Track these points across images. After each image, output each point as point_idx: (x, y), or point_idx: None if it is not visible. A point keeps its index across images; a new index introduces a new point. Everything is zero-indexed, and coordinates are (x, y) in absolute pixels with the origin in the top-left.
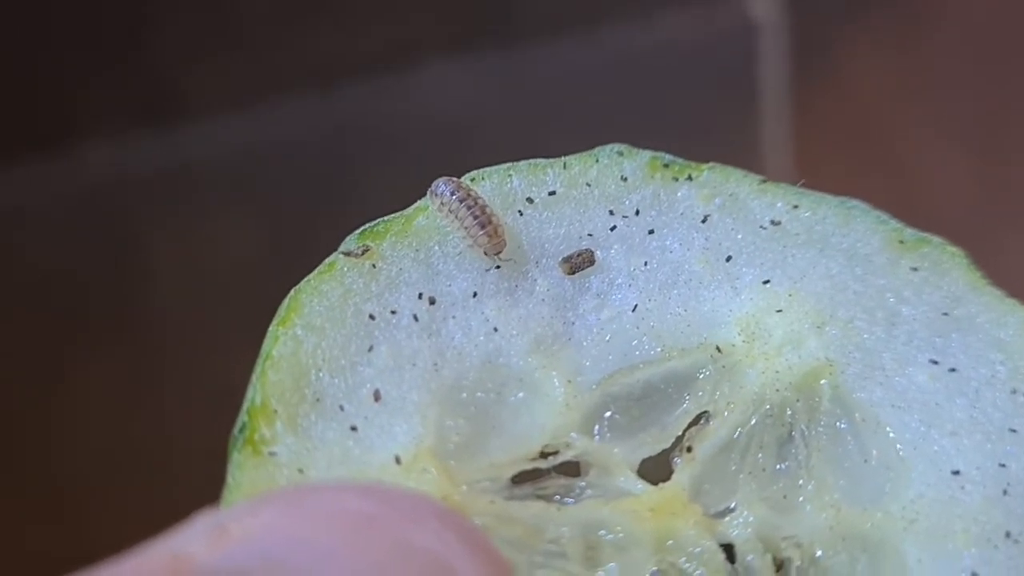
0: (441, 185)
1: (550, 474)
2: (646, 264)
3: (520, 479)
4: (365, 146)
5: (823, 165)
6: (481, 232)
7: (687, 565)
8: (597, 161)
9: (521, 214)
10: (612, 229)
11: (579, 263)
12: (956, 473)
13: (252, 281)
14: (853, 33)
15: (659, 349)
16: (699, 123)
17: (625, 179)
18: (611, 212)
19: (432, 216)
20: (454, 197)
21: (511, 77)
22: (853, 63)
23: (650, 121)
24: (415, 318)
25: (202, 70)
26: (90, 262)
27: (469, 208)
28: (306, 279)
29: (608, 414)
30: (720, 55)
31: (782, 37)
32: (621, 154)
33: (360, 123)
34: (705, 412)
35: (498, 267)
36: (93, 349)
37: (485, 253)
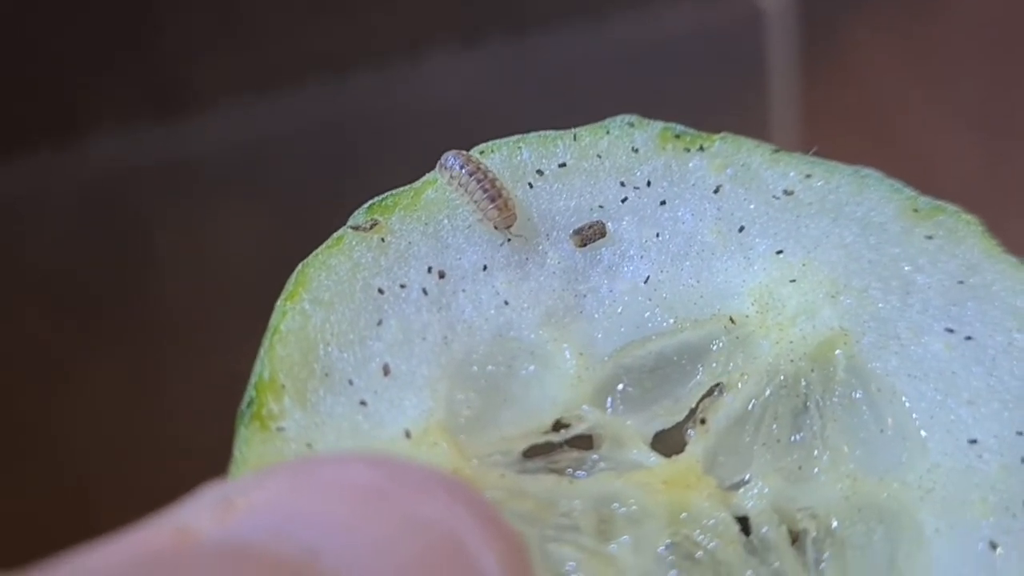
0: (451, 158)
1: (562, 447)
2: (658, 235)
3: (532, 453)
4: (371, 136)
5: (831, 150)
6: (491, 205)
7: (701, 537)
8: (608, 132)
9: (531, 186)
10: (623, 201)
11: (590, 235)
12: (973, 442)
13: (258, 273)
14: (859, 18)
15: (672, 321)
16: (707, 110)
17: (636, 150)
18: (622, 184)
19: (441, 189)
20: (464, 170)
21: (518, 67)
22: (860, 48)
23: (658, 108)
24: (424, 292)
25: (208, 62)
26: (95, 254)
27: (479, 181)
28: (314, 253)
29: (620, 386)
30: (728, 42)
31: (789, 23)
32: (632, 125)
33: (366, 114)
34: (719, 384)
35: (509, 240)
36: (98, 341)
37: (495, 227)
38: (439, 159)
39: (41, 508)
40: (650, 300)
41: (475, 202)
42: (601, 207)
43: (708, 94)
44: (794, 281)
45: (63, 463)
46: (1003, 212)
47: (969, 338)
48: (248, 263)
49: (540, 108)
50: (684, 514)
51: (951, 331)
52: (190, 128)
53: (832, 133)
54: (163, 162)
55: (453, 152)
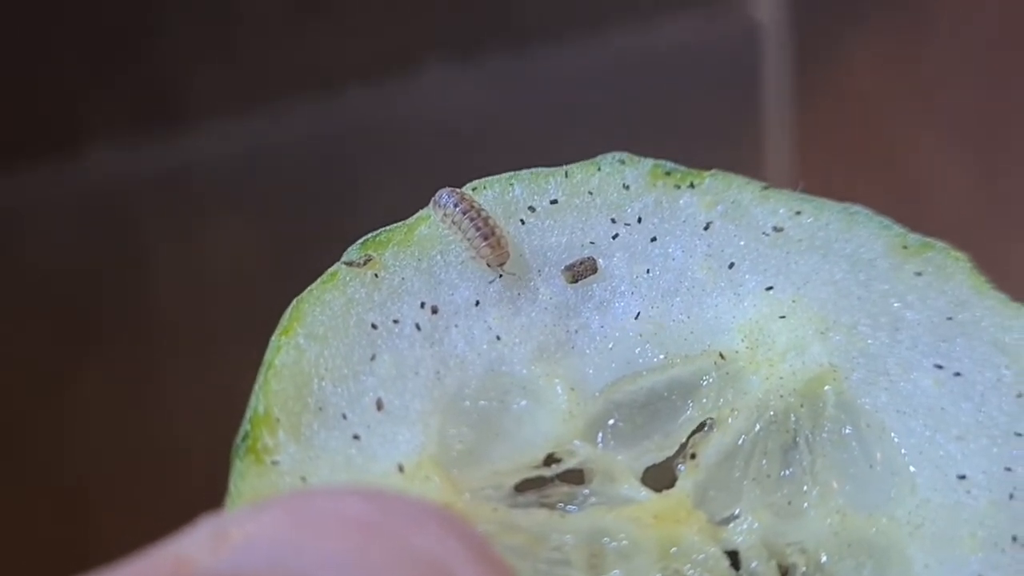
0: (444, 196)
1: (553, 482)
2: (648, 272)
3: (523, 487)
4: (367, 151)
5: (826, 166)
6: (484, 243)
7: (691, 572)
8: (599, 169)
9: (523, 223)
10: (614, 237)
11: (581, 271)
12: (962, 477)
13: (254, 285)
14: (856, 35)
15: (662, 356)
16: (702, 125)
17: (627, 187)
18: (613, 220)
19: (434, 225)
20: (457, 209)
21: (514, 81)
22: (856, 65)
23: (654, 124)
24: (417, 327)
25: (205, 75)
26: (92, 265)
27: (472, 220)
28: (308, 289)
29: (611, 422)
30: (723, 57)
31: (785, 39)
32: (623, 162)
33: (362, 128)
34: (709, 419)
35: (500, 276)
36: (95, 351)
37: (488, 265)
38: (433, 196)
39: (40, 512)
40: (641, 336)
41: (468, 239)
42: (592, 243)
43: (704, 109)
44: (784, 317)
45: (63, 469)
46: (997, 233)
47: (958, 374)
48: (245, 274)
49: (539, 122)
50: (674, 548)
51: (940, 367)
52: (187, 141)
53: (827, 148)
54: (160, 174)
55: (447, 190)
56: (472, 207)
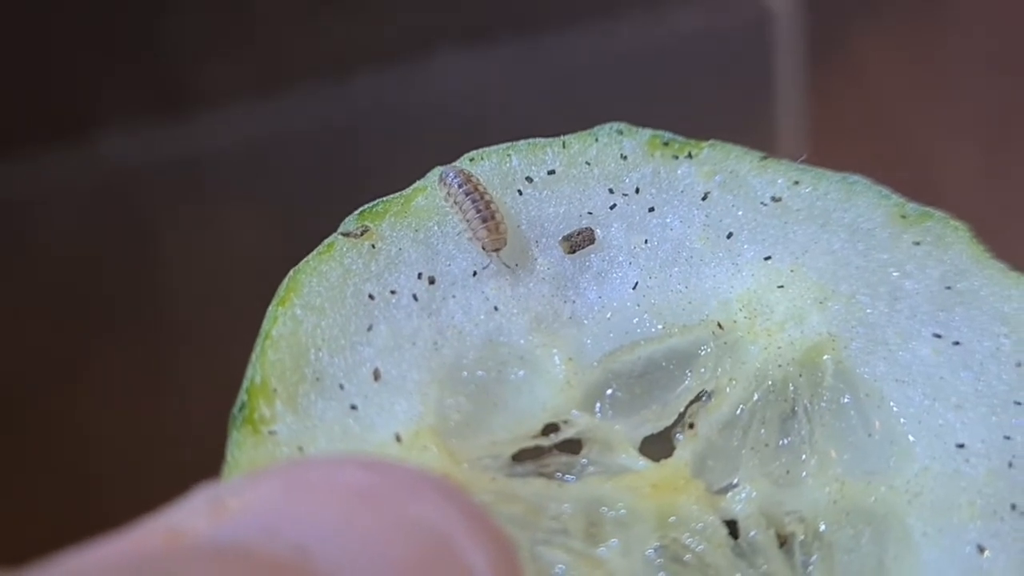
0: (451, 174)
1: (551, 452)
2: (646, 242)
3: (521, 457)
4: (379, 136)
5: (838, 153)
6: (482, 226)
7: (690, 540)
8: (596, 140)
9: (520, 193)
10: (612, 207)
11: (579, 242)
12: (961, 446)
13: (266, 271)
14: (867, 22)
15: (660, 326)
16: (714, 112)
17: (625, 157)
18: (611, 190)
19: (431, 196)
20: (461, 189)
21: (526, 67)
22: (867, 51)
23: (664, 110)
24: (415, 298)
25: (215, 63)
26: (103, 252)
27: (474, 201)
28: (305, 260)
29: (609, 391)
30: (735, 45)
31: (797, 26)
32: (620, 132)
33: (374, 113)
34: (707, 389)
35: (492, 263)
36: (106, 338)
37: (483, 247)
38: (440, 173)
39: (52, 504)
40: (639, 306)
41: (467, 220)
42: (590, 214)
43: (716, 97)
44: (782, 287)
45: (75, 454)
46: (1004, 217)
47: (957, 343)
48: (256, 260)
49: (548, 109)
50: (672, 517)
51: (939, 336)
52: (197, 128)
53: (840, 135)
54: (170, 162)
55: (454, 169)
56: (476, 189)
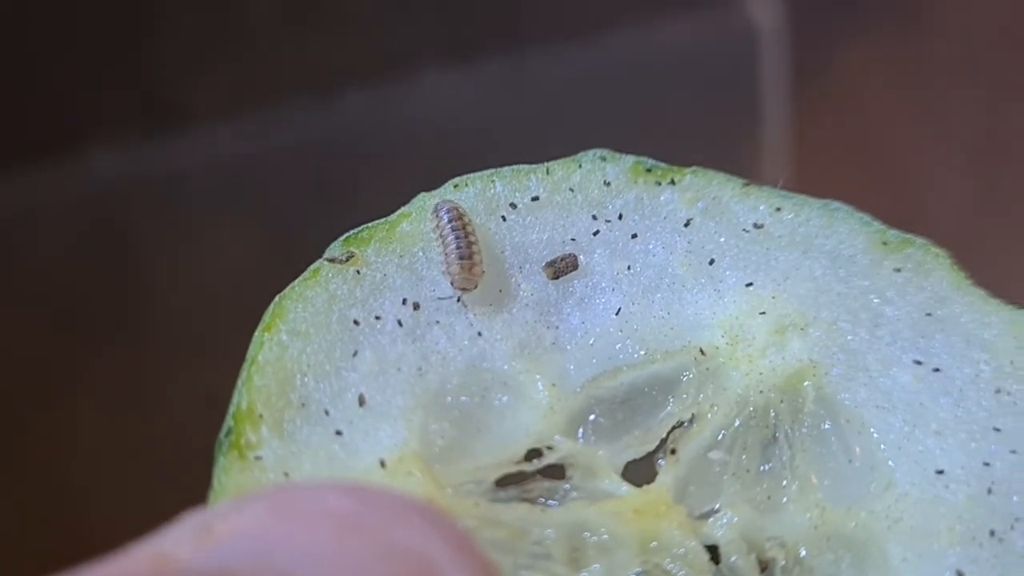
0: (444, 209)
1: (535, 477)
2: (629, 268)
3: (505, 482)
4: (367, 154)
5: (823, 170)
6: (457, 263)
7: (671, 566)
8: (580, 166)
9: (504, 219)
10: (595, 234)
11: (562, 268)
12: (940, 472)
13: (251, 288)
14: (854, 38)
15: (643, 352)
16: (701, 128)
17: (608, 184)
18: (594, 217)
19: (415, 222)
20: (449, 224)
21: (513, 84)
22: (853, 68)
23: (652, 126)
24: (399, 323)
25: (202, 80)
26: (89, 267)
27: (457, 239)
28: (291, 285)
29: (592, 417)
30: (722, 60)
31: (783, 43)
32: (604, 159)
33: (362, 131)
34: (690, 414)
35: (459, 299)
36: (92, 353)
37: (452, 283)
38: (435, 205)
39: (36, 512)
40: (621, 332)
41: (446, 254)
42: (573, 240)
43: (702, 112)
44: (764, 313)
45: (60, 469)
46: (995, 238)
47: (937, 370)
48: (242, 277)
49: (535, 125)
50: (654, 543)
51: (919, 363)
52: (186, 144)
53: (825, 151)
54: (157, 179)
55: (449, 203)
56: (464, 228)
